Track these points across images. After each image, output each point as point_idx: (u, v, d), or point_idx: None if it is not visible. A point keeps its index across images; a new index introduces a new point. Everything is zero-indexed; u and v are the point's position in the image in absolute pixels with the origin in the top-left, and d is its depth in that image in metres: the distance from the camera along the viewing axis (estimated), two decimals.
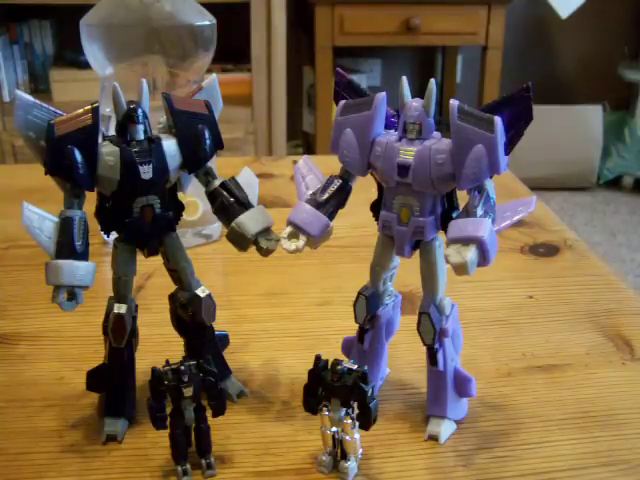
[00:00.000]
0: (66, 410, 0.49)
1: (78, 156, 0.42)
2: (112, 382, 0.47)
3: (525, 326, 0.61)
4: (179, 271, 0.48)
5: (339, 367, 0.41)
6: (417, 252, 0.46)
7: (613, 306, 0.64)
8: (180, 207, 0.47)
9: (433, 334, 0.45)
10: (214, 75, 0.49)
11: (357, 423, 0.42)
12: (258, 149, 2.26)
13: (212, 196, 0.47)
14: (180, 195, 0.47)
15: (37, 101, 0.43)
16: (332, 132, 0.45)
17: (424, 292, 0.46)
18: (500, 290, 0.67)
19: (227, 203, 0.46)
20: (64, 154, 0.41)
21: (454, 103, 0.42)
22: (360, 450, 0.43)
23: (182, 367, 0.41)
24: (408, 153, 0.43)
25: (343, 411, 0.42)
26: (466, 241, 0.40)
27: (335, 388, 0.41)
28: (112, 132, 0.44)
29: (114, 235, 0.46)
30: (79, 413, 0.49)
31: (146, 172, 0.43)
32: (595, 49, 2.94)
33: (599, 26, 2.90)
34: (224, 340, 0.53)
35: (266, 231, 0.46)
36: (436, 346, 0.46)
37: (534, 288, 0.67)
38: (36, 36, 2.32)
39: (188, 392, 0.42)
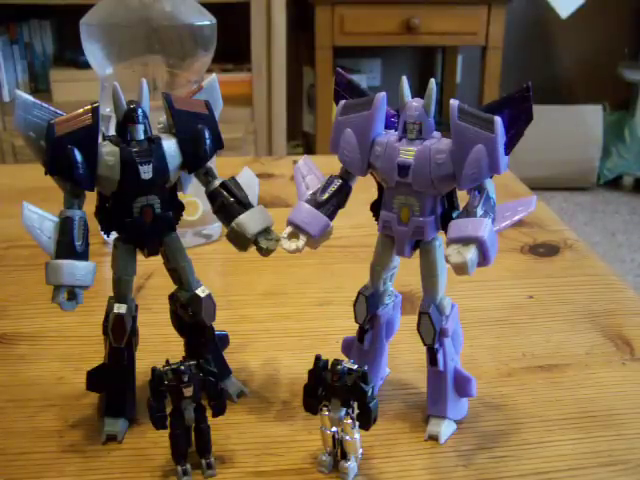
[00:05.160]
0: (66, 410, 0.49)
1: (78, 156, 0.42)
2: (112, 382, 0.47)
3: (525, 326, 0.61)
4: (179, 271, 0.48)
5: (339, 367, 0.41)
6: (417, 252, 0.46)
7: (613, 306, 0.64)
8: (180, 207, 0.47)
9: (433, 334, 0.45)
10: (214, 75, 0.49)
11: (357, 423, 0.42)
12: (258, 149, 2.26)
13: (212, 196, 0.47)
14: (180, 195, 0.47)
15: (37, 101, 0.43)
16: (332, 132, 0.45)
17: (424, 292, 0.46)
18: (500, 290, 0.67)
19: (227, 203, 0.46)
20: (64, 154, 0.41)
21: (454, 103, 0.42)
22: (360, 450, 0.43)
23: (182, 367, 0.41)
24: (408, 153, 0.43)
25: (343, 411, 0.42)
26: (466, 241, 0.40)
27: (335, 388, 0.41)
28: (112, 132, 0.44)
29: (114, 235, 0.46)
30: (79, 413, 0.49)
31: (146, 172, 0.43)
32: (595, 49, 2.94)
33: (599, 26, 2.90)
34: (224, 340, 0.53)
35: (266, 231, 0.46)
36: (436, 346, 0.46)
37: (534, 288, 0.67)
38: (36, 36, 2.32)
39: (188, 392, 0.42)
